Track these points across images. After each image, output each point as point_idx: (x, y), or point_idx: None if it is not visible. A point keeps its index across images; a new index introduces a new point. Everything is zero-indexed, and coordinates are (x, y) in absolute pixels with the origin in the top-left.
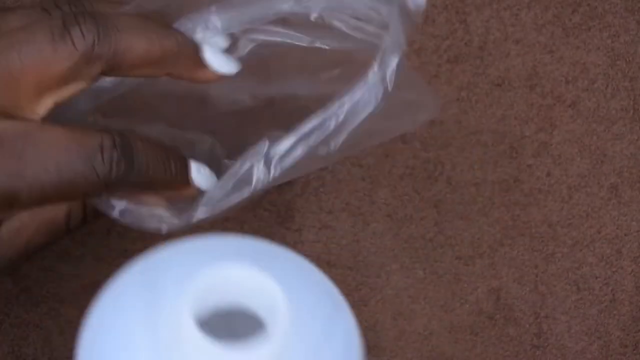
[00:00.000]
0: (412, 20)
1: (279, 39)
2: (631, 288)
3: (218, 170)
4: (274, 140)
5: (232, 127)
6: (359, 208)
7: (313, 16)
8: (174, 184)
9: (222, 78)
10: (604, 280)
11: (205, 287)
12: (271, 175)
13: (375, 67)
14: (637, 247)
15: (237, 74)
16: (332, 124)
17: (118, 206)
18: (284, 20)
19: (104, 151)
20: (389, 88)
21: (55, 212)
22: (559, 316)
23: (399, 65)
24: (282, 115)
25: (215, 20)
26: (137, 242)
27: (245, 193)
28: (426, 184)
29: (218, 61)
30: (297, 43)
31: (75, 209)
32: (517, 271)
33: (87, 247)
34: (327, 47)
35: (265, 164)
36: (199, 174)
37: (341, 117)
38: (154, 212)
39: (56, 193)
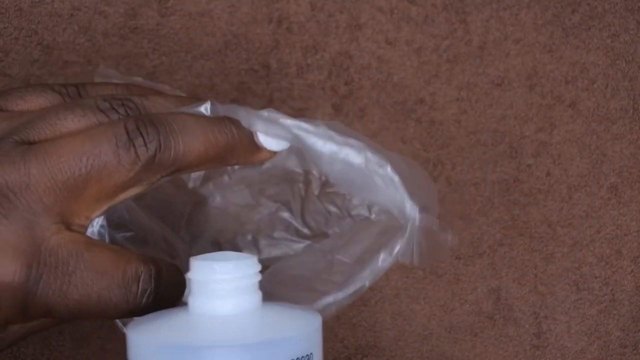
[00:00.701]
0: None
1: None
2: (631, 288)
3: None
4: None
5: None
6: None
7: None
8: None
9: (275, 154)
10: (604, 280)
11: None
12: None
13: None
14: (636, 247)
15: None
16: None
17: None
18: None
19: (141, 283)
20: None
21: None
22: (558, 316)
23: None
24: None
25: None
26: None
27: None
28: None
29: (270, 142)
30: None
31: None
32: (516, 271)
33: None
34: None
35: None
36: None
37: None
38: None
39: (87, 315)
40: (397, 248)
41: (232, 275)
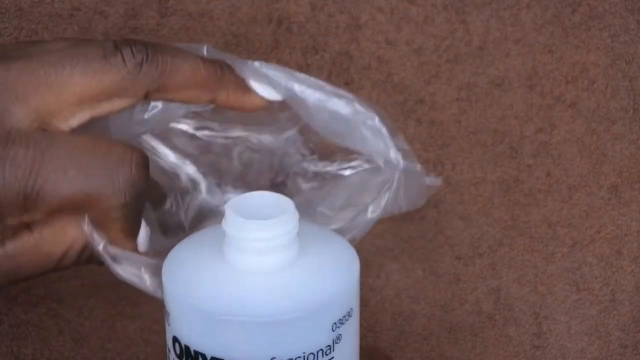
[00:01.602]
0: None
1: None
2: (631, 288)
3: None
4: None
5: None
6: None
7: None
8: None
9: (269, 105)
10: (604, 281)
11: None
12: None
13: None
14: (636, 247)
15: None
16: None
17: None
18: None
19: (133, 167)
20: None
21: (53, 248)
22: (558, 316)
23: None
24: None
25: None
26: None
27: None
28: None
29: (263, 88)
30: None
31: (73, 249)
32: (517, 271)
33: None
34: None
35: None
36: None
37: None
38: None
39: (72, 198)
40: (384, 199)
41: (271, 234)
